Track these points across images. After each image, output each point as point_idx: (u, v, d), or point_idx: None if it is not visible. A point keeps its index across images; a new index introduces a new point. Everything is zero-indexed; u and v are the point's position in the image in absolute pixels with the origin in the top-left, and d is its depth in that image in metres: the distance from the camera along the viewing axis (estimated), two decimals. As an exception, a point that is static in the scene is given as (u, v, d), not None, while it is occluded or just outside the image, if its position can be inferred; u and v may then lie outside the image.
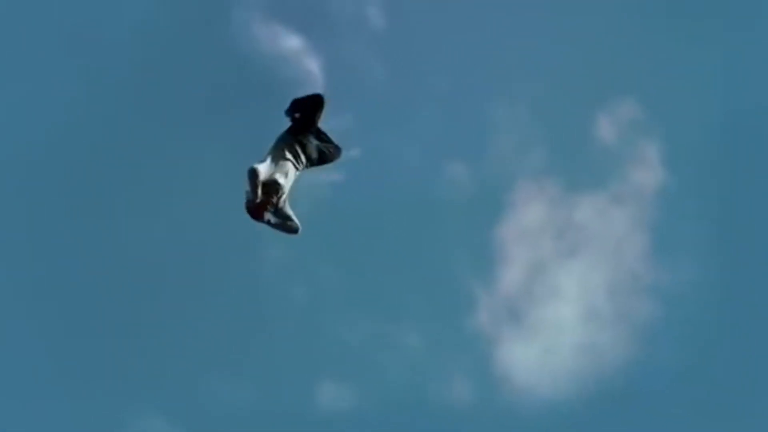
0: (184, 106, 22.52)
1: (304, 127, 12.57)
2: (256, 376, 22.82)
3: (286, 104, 12.59)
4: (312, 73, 21.76)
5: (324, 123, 12.61)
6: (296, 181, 12.43)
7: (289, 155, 12.36)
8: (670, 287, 22.95)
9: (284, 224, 12.39)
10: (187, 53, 22.80)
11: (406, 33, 23.37)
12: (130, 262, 22.56)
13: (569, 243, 23.66)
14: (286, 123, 12.56)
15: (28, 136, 22.64)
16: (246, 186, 12.07)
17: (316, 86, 21.73)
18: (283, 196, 12.23)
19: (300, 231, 12.39)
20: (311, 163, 12.57)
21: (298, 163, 12.43)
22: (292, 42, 22.17)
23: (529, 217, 23.49)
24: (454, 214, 23.26)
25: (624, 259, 23.35)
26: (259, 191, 12.00)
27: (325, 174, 13.14)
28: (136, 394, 22.20)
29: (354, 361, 22.95)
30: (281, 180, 12.10)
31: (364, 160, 22.29)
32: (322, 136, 12.67)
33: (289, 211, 12.34)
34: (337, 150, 12.79)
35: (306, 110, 12.59)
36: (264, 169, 12.07)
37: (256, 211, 12.12)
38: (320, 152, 12.64)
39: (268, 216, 12.24)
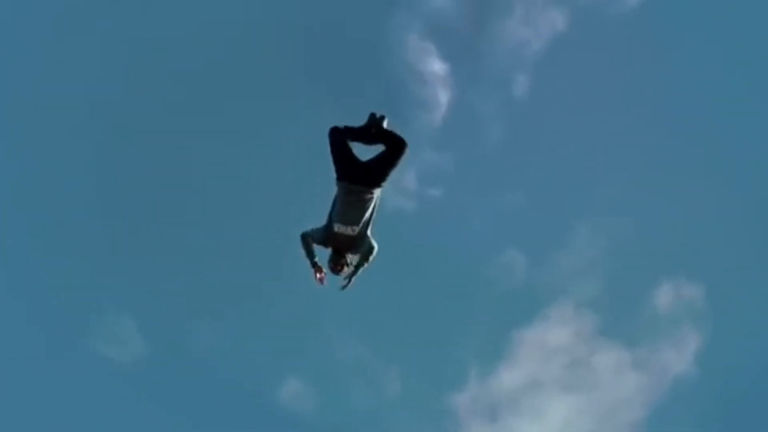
0: (314, 89, 22.84)
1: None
2: (236, 338, 23.21)
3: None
4: (438, 102, 22.20)
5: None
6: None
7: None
8: (642, 467, 22.96)
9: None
10: (338, 46, 23.14)
11: (539, 112, 23.70)
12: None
13: (575, 378, 23.73)
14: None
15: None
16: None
17: (434, 114, 22.24)
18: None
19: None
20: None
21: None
22: (436, 65, 22.60)
23: (553, 336, 23.60)
24: (493, 296, 23.45)
25: (615, 419, 23.35)
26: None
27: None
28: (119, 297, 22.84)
29: (328, 371, 23.24)
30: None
31: (439, 204, 22.91)
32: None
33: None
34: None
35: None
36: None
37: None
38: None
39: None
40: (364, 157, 12.06)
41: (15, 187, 22.74)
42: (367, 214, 11.97)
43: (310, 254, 12.13)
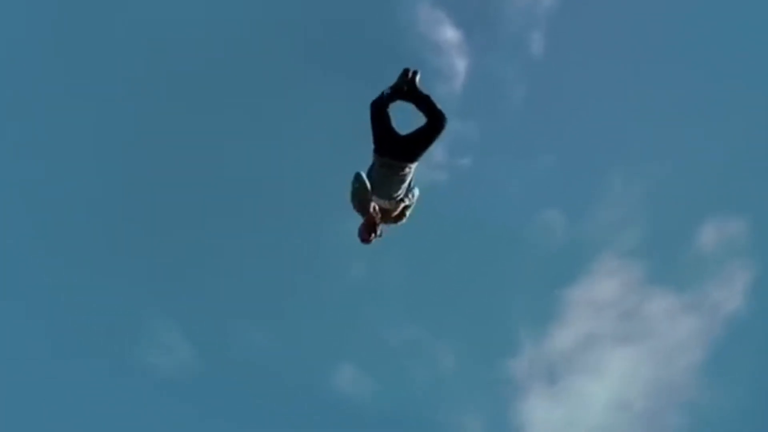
0: (326, 62, 22.72)
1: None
2: (283, 334, 23.14)
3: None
4: (456, 71, 22.02)
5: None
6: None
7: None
8: (707, 409, 22.82)
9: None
10: (350, 23, 22.96)
11: (559, 67, 23.52)
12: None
13: (629, 329, 23.62)
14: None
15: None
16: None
17: (454, 83, 22.08)
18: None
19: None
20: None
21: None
22: (450, 34, 22.42)
23: (601, 290, 23.48)
24: (536, 258, 23.36)
25: (673, 365, 23.24)
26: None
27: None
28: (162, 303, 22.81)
29: (382, 355, 23.17)
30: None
31: (470, 173, 22.78)
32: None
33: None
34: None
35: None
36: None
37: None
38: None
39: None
40: (404, 129, 12.14)
41: (59, 197, 22.82)
42: (403, 188, 12.17)
43: (366, 203, 12.04)
